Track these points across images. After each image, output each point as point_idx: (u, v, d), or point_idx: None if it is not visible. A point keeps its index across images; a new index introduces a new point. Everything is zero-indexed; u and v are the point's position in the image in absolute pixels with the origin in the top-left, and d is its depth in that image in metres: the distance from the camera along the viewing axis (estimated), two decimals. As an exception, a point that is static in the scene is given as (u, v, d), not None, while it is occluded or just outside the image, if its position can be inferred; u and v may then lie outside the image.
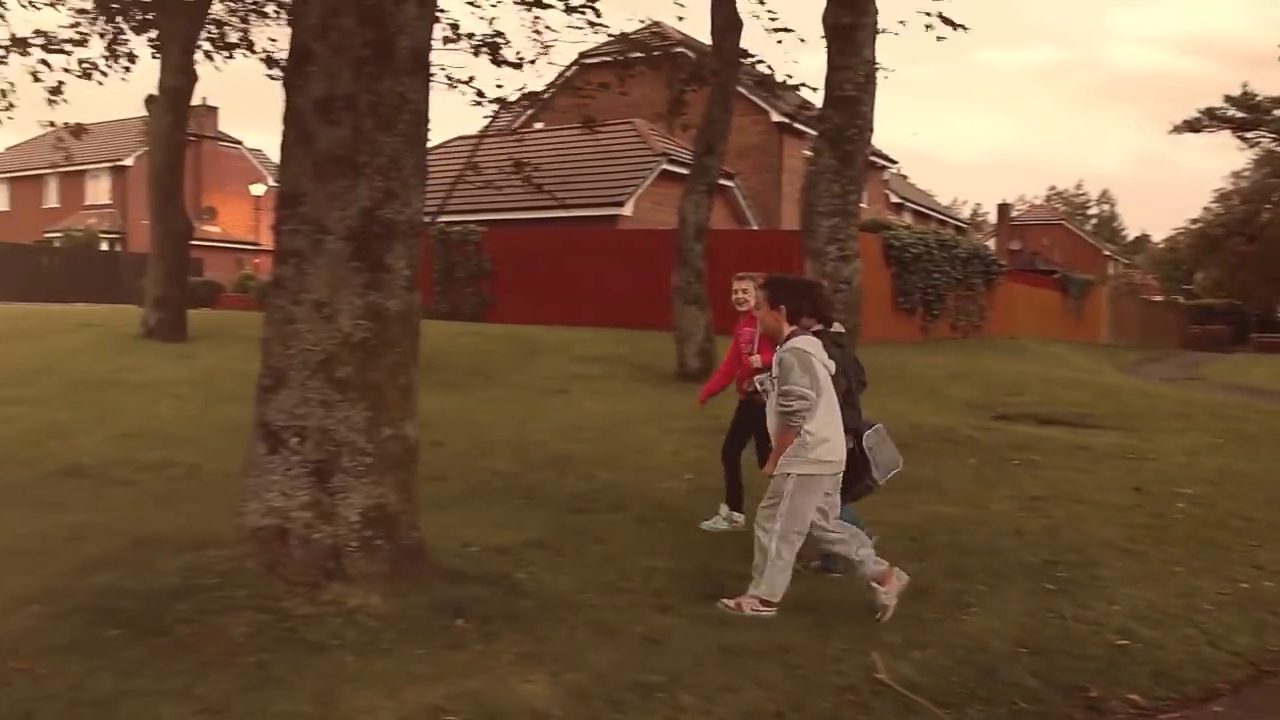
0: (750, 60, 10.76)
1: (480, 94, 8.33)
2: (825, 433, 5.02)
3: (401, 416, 4.73)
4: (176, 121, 17.13)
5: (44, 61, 15.96)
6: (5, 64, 15.71)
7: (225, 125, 47.33)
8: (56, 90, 15.91)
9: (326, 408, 4.55)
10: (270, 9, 17.43)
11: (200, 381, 12.85)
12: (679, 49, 16.62)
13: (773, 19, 12.36)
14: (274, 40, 18.29)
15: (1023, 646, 4.69)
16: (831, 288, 9.41)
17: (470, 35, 8.06)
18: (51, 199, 48.19)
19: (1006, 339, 25.25)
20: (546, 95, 8.00)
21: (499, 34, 8.62)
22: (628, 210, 22.74)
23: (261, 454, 4.66)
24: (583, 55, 16.18)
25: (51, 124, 16.46)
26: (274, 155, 51.66)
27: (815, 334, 5.65)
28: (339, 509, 4.60)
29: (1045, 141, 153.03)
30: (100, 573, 4.57)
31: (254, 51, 18.45)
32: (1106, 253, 73.62)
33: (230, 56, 18.28)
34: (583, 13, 9.61)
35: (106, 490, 7.01)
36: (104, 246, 44.39)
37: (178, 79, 16.72)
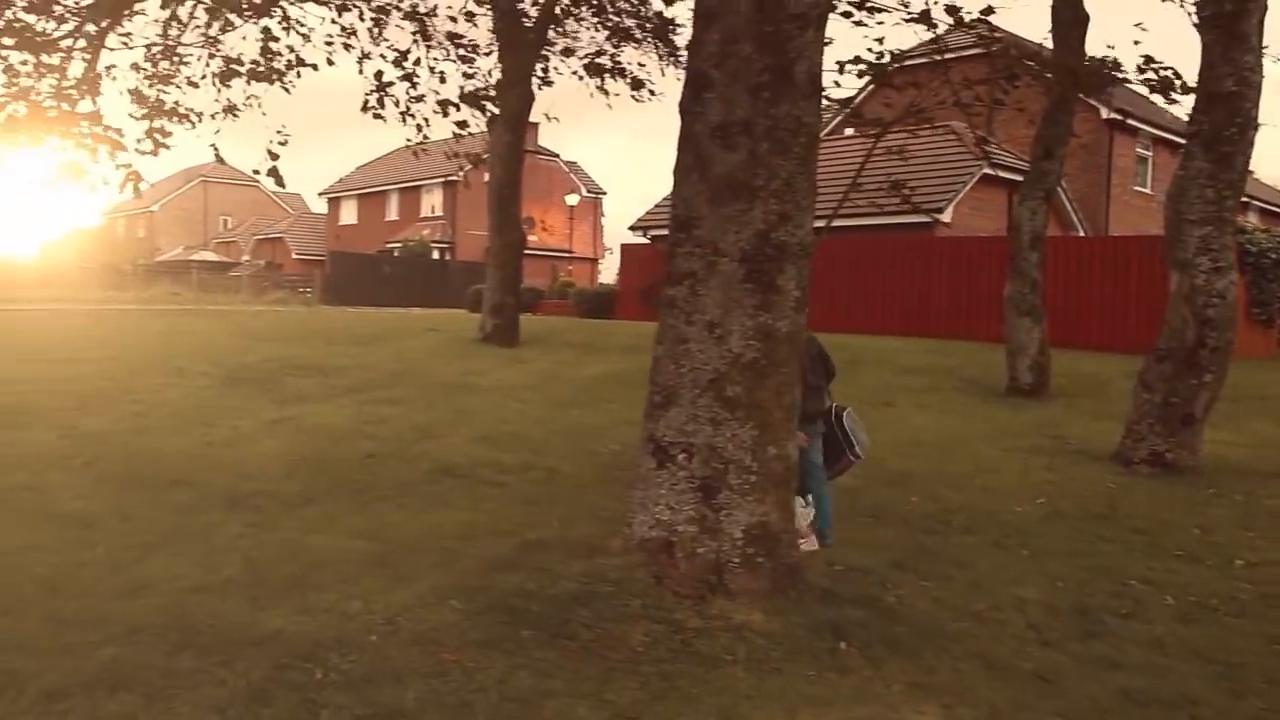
0: (1157, 66, 9.91)
1: (858, 114, 8.30)
2: None
3: (784, 436, 4.77)
4: (515, 141, 18.22)
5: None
6: (423, 102, 17.59)
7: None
8: (463, 124, 17.57)
9: (715, 426, 4.66)
10: (638, 34, 18.01)
11: (537, 385, 13.58)
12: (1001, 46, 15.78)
13: None
14: (641, 65, 18.88)
15: None
16: (1203, 302, 8.71)
17: (856, 59, 8.04)
18: (392, 212, 52.70)
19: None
20: (924, 108, 7.87)
21: (888, 52, 8.54)
22: (946, 217, 22.01)
23: (650, 468, 4.83)
24: (895, 58, 15.74)
25: (458, 155, 18.08)
26: (587, 167, 53.68)
27: None
28: (723, 525, 4.69)
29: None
30: (503, 573, 4.89)
31: (623, 76, 19.03)
32: None
33: (601, 84, 18.99)
34: (974, 28, 9.30)
35: (479, 490, 7.50)
36: (435, 255, 48.03)
37: (519, 102, 17.79)
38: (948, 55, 9.30)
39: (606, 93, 19.15)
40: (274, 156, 9.24)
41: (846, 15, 9.18)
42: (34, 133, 7.58)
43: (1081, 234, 25.39)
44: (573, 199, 44.88)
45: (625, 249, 28.93)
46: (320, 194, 58.42)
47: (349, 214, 55.46)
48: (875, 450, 9.79)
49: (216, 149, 9.46)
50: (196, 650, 4.06)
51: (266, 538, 5.85)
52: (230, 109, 12.13)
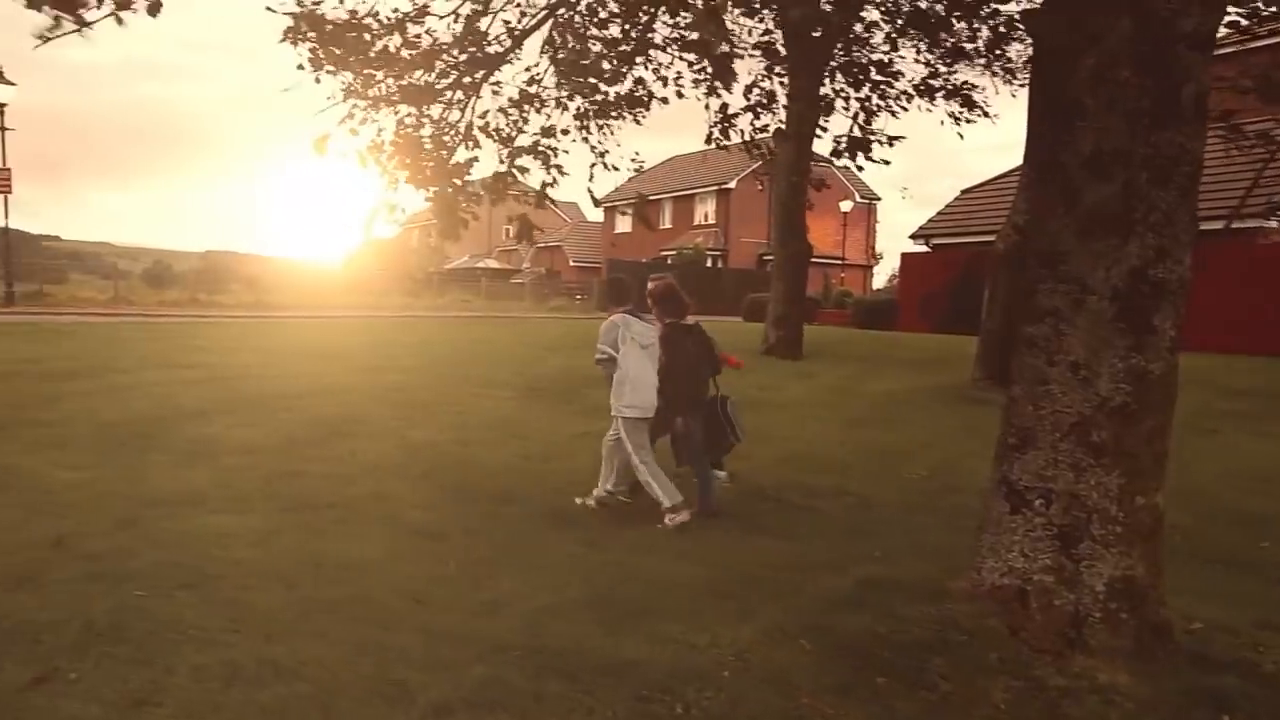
0: None
1: (1236, 129, 7.73)
2: (625, 389, 7.12)
3: (1155, 486, 4.44)
4: (800, 153, 18.14)
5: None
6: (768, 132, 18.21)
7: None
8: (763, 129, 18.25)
9: (1077, 472, 4.40)
10: (971, 51, 17.36)
11: (829, 402, 13.41)
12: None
13: None
14: (973, 85, 18.19)
15: None
16: None
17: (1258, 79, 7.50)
18: (666, 220, 53.84)
19: None
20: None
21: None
22: (1275, 222, 20.10)
23: (1003, 512, 4.63)
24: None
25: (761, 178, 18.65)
26: (863, 175, 52.76)
27: (670, 325, 7.54)
28: (1083, 577, 4.43)
29: None
30: (845, 613, 4.82)
31: (958, 97, 18.25)
32: None
33: (931, 103, 18.50)
34: None
35: (794, 516, 7.45)
36: (708, 263, 48.63)
37: (805, 114, 17.73)
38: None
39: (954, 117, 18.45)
40: (643, 199, 9.77)
41: (1233, 25, 8.49)
42: (425, 182, 8.26)
43: None
44: (846, 205, 44.25)
45: (905, 258, 28.23)
46: (597, 204, 60.39)
47: (624, 223, 57.11)
48: (1203, 481, 9.08)
49: (592, 193, 10.05)
50: (559, 675, 4.22)
51: (600, 558, 6.04)
52: (602, 156, 13.09)
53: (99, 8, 6.13)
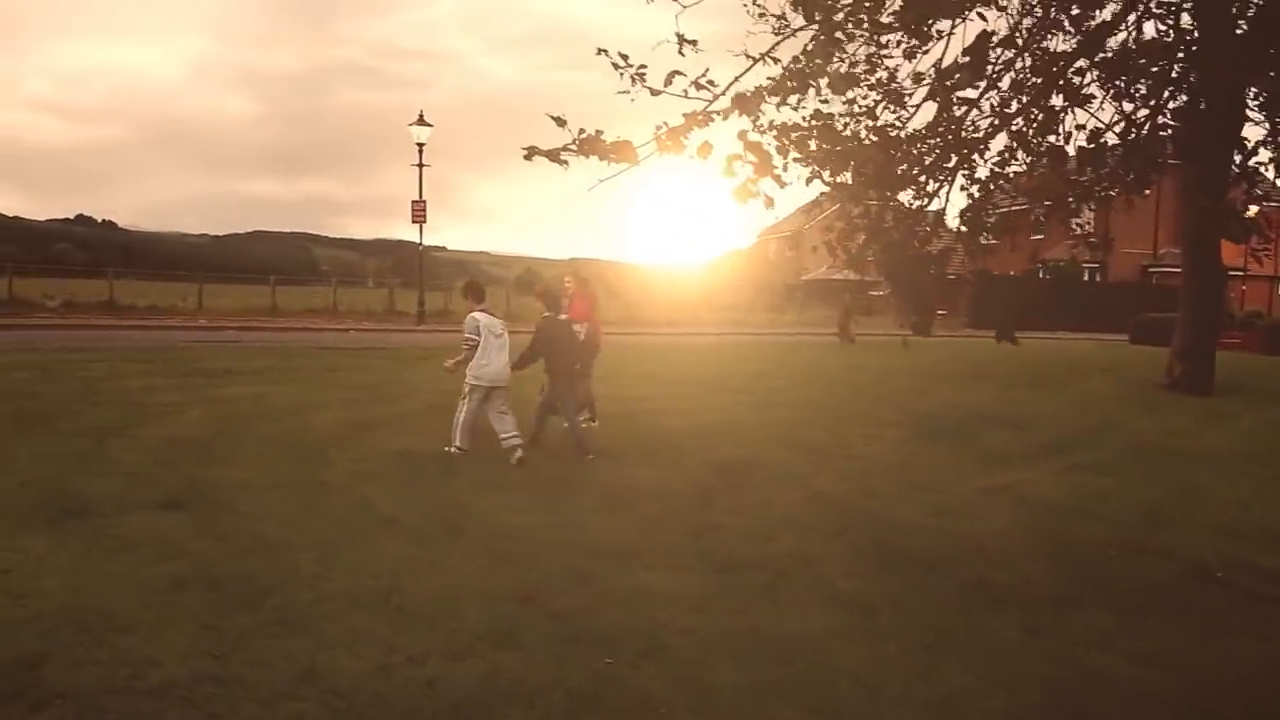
0: None
1: None
2: (478, 364, 10.08)
3: None
4: (1219, 167, 16.60)
5: None
6: None
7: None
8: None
9: None
10: None
11: (1260, 454, 12.14)
12: None
13: None
14: None
15: None
16: None
17: None
18: (1039, 230, 51.05)
19: None
20: None
21: None
22: None
23: None
24: None
25: None
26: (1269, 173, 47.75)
27: (546, 318, 10.69)
28: None
29: None
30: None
31: None
32: None
33: None
34: None
35: (1254, 607, 6.68)
36: (1085, 277, 45.69)
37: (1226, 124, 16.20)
38: None
39: None
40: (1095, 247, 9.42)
41: None
42: (895, 273, 8.38)
43: None
44: (1251, 209, 39.94)
45: (1333, 275, 25.01)
46: (959, 214, 58.35)
47: (991, 233, 54.72)
48: None
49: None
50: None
51: (1046, 650, 5.75)
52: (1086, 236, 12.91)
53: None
